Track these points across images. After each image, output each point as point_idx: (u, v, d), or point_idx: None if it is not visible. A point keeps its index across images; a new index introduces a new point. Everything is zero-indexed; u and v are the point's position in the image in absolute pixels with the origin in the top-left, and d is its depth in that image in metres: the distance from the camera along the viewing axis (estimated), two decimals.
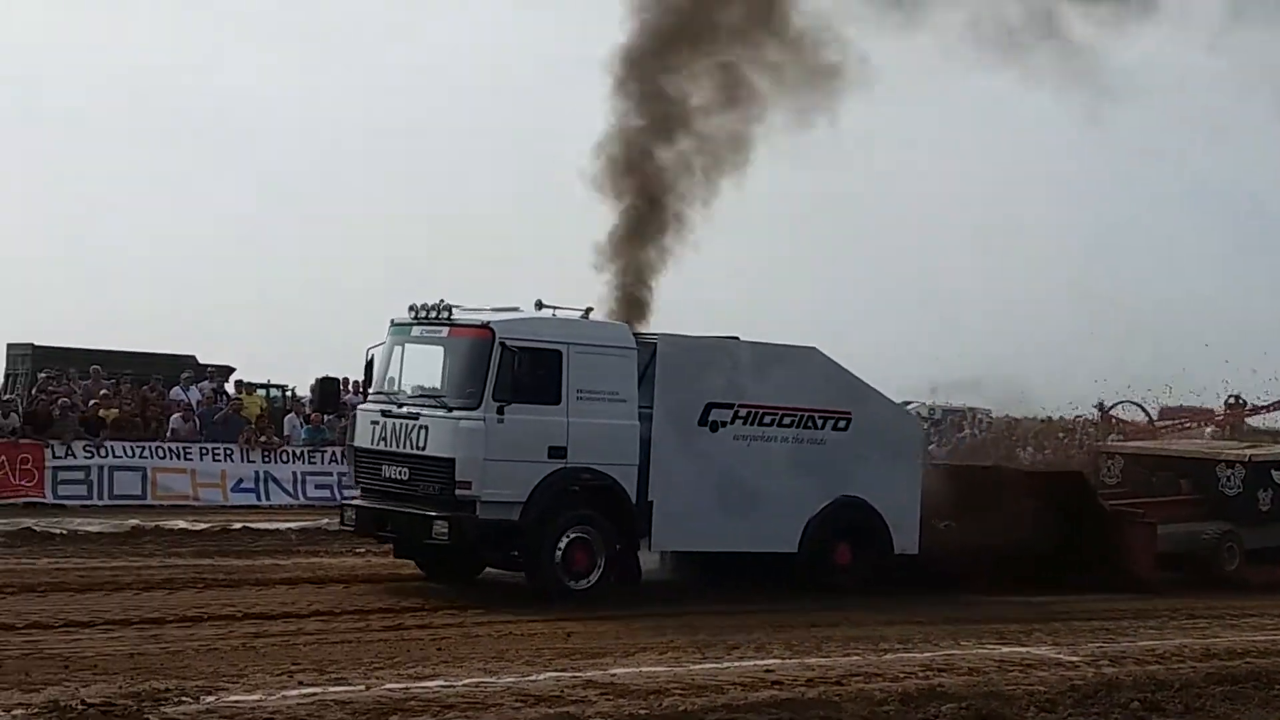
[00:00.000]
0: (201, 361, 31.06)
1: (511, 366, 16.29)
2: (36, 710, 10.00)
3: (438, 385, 16.94)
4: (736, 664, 13.44)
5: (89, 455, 24.15)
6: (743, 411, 18.03)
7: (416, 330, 17.24)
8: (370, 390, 17.77)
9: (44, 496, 23.53)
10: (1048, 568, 20.34)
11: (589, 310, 17.68)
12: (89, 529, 20.97)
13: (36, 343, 32.18)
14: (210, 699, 10.61)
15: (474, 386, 16.39)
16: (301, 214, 59.36)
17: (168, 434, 25.56)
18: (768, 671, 13.00)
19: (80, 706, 10.09)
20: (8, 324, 34.26)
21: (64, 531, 20.61)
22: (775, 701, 11.65)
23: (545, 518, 16.58)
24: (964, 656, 14.60)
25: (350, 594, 16.62)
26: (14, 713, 9.92)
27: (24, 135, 55.94)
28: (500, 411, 16.26)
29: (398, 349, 17.43)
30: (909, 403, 32.90)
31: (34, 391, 26.51)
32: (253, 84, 62.40)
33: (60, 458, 23.80)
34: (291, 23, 66.42)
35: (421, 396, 16.97)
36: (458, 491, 16.33)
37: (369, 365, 17.69)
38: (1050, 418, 35.88)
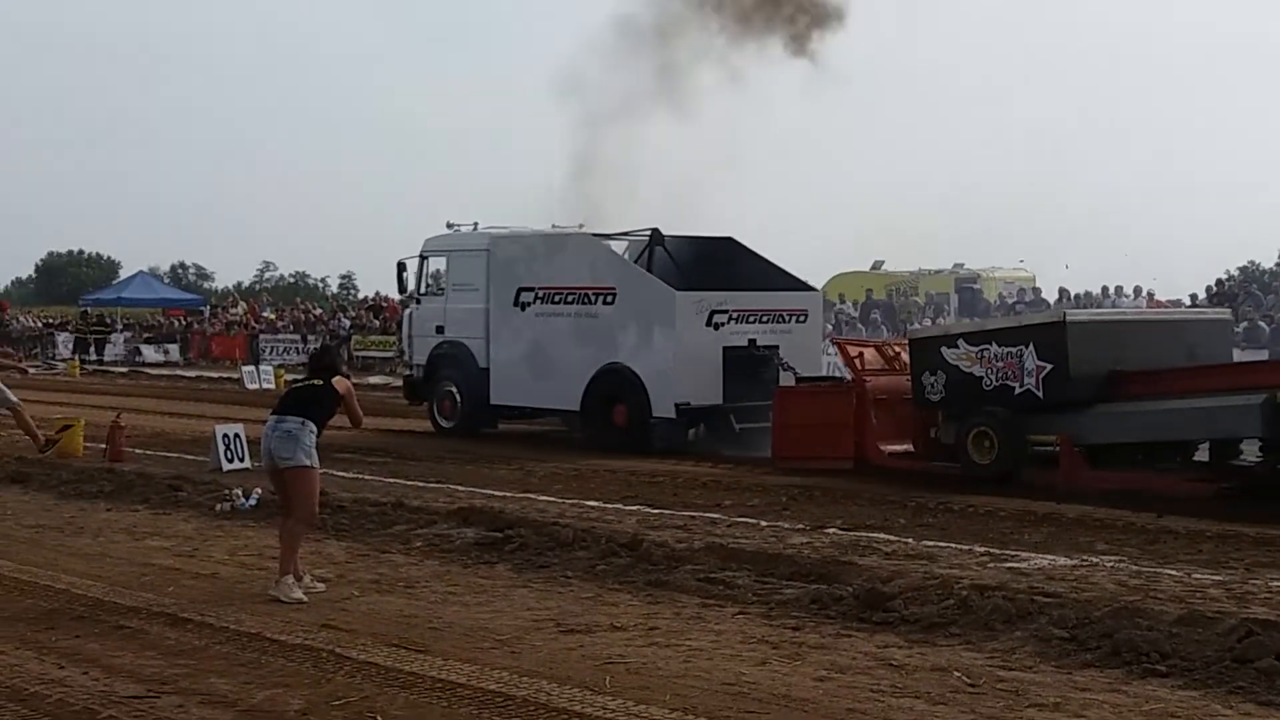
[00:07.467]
0: None
1: (425, 269, 23.85)
2: None
3: None
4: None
5: None
6: (541, 293, 21.73)
7: None
8: None
9: None
10: None
11: (475, 225, 23.20)
12: None
13: None
14: None
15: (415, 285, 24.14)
16: None
17: None
18: None
19: None
20: None
21: None
22: None
23: (429, 376, 23.53)
24: None
25: None
26: None
27: None
28: (418, 301, 23.92)
29: None
30: None
31: None
32: None
33: None
34: None
35: None
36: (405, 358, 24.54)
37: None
38: None
